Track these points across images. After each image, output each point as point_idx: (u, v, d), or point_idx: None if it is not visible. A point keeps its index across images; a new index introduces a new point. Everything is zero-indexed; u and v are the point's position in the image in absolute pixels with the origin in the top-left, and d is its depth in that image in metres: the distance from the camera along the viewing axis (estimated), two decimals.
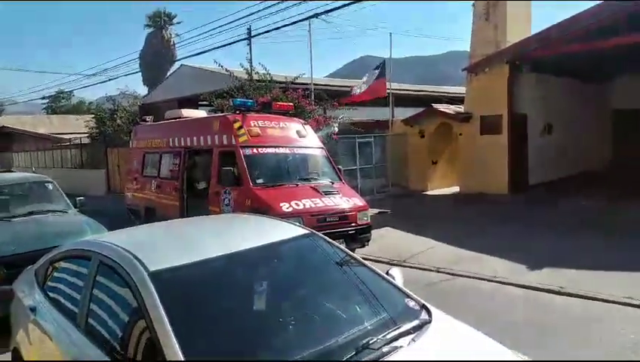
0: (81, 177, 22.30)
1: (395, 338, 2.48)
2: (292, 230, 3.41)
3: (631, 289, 5.99)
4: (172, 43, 38.06)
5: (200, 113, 11.92)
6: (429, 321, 2.72)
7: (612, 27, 11.93)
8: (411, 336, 2.54)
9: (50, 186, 7.68)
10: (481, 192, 13.94)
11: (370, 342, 2.40)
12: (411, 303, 2.93)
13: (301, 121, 9.74)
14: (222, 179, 8.14)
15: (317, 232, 3.50)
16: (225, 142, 8.42)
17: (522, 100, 14.47)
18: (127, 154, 19.61)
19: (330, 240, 3.43)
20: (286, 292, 2.96)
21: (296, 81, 15.50)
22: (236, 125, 8.28)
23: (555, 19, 13.19)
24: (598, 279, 6.49)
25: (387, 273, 3.22)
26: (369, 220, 8.07)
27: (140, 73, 36.21)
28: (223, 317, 2.59)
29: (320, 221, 7.26)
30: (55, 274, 3.57)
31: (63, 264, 3.56)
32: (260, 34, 17.08)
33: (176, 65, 27.69)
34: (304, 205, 7.41)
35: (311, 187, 7.99)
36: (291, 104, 10.41)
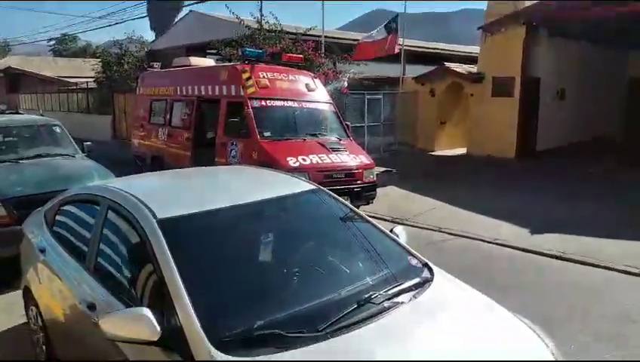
0: (87, 122, 22.27)
1: (397, 294, 2.53)
2: (299, 185, 3.43)
3: (632, 258, 6.06)
4: None
5: (208, 62, 11.71)
6: (431, 279, 2.77)
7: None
8: (412, 293, 2.59)
9: (58, 130, 7.68)
10: (488, 155, 13.87)
11: (372, 297, 2.45)
12: (414, 261, 2.97)
13: (310, 74, 9.59)
14: (229, 130, 8.13)
15: (323, 188, 3.52)
16: (233, 92, 8.35)
17: (536, 63, 14.16)
18: (133, 100, 19.61)
19: (336, 196, 3.45)
20: (291, 245, 3.00)
21: (308, 32, 15.19)
22: (245, 76, 8.16)
23: None
24: (601, 246, 6.55)
25: (391, 231, 3.26)
26: (375, 178, 8.08)
27: (148, 18, 35.47)
28: (229, 267, 2.65)
29: (326, 177, 7.27)
30: (64, 216, 3.63)
31: (71, 207, 3.60)
32: None
33: (185, 11, 27.08)
34: (311, 160, 7.41)
35: (318, 142, 7.96)
36: (301, 56, 10.22)
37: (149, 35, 34.99)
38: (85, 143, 7.70)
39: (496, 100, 14.17)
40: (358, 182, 7.71)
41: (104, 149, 12.93)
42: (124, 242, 2.88)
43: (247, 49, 9.16)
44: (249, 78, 8.15)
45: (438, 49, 23.34)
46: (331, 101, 9.24)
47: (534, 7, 13.40)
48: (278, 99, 8.32)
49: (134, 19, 48.17)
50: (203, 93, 9.18)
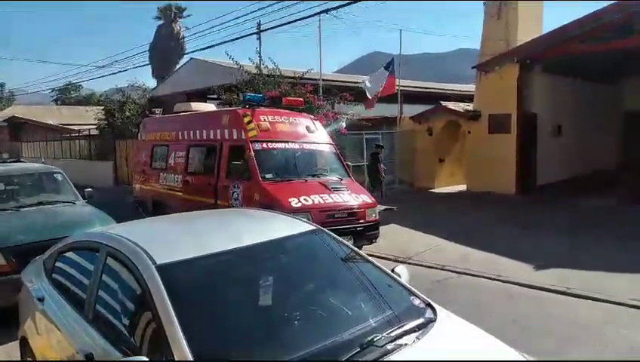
0: (90, 168, 22.45)
1: (400, 336, 2.48)
2: (299, 226, 3.42)
3: (637, 291, 5.97)
4: (182, 36, 38.07)
5: (209, 106, 11.85)
6: (434, 320, 2.72)
7: (623, 28, 11.85)
8: (416, 334, 2.54)
9: (59, 177, 7.73)
10: (488, 191, 13.89)
11: (375, 340, 2.40)
12: (416, 301, 2.93)
13: (310, 116, 9.71)
14: (231, 173, 8.20)
15: (324, 228, 3.51)
16: (234, 136, 8.43)
17: (532, 100, 14.39)
18: (135, 146, 19.80)
19: (336, 236, 3.44)
20: (292, 287, 2.97)
21: (305, 76, 15.48)
22: (246, 119, 8.28)
23: (565, 19, 13.08)
24: (605, 280, 6.47)
25: (393, 270, 3.22)
26: (377, 217, 8.04)
27: (150, 66, 36.30)
28: (230, 312, 2.61)
29: (328, 217, 7.27)
30: (63, 264, 3.60)
31: (70, 255, 3.58)
32: (269, 28, 17.04)
33: (185, 58, 27.77)
34: (313, 201, 7.40)
35: (319, 183, 7.98)
36: (301, 99, 10.36)
37: (152, 82, 35.72)
38: (86, 190, 7.73)
39: (494, 137, 14.32)
40: (361, 221, 7.68)
41: (106, 195, 12.99)
42: (123, 289, 2.85)
43: (248, 94, 9.32)
44: (250, 122, 8.26)
45: (434, 88, 23.74)
46: (331, 142, 9.33)
47: (526, 45, 13.71)
48: (279, 142, 8.40)
49: (137, 67, 49.17)
50: (204, 137, 9.28)
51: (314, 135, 8.95)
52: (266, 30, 17.26)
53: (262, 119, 8.47)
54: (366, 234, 7.74)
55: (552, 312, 5.64)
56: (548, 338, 4.79)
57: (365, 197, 8.05)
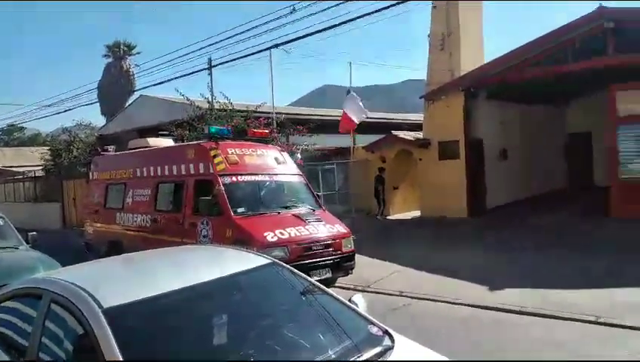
0: (35, 211, 21.50)
1: None
2: (253, 260, 3.37)
3: (594, 306, 6.16)
4: (131, 73, 37.60)
5: (166, 142, 11.47)
6: (392, 347, 2.71)
7: (559, 56, 12.64)
8: None
9: (1, 221, 7.36)
10: (441, 216, 14.19)
11: None
12: (374, 329, 2.92)
13: (277, 147, 9.59)
14: (200, 209, 7.84)
15: (279, 261, 3.47)
16: (201, 170, 8.16)
17: (478, 126, 14.96)
18: (84, 186, 19.13)
19: (292, 268, 3.40)
20: (248, 324, 2.90)
21: (258, 109, 15.56)
22: (212, 153, 8.05)
23: (506, 48, 13.83)
24: (559, 298, 6.66)
25: (350, 300, 3.21)
26: (353, 247, 7.88)
27: (98, 104, 35.53)
28: (182, 354, 2.51)
29: (306, 250, 7.14)
30: (2, 314, 3.38)
31: (11, 304, 3.37)
32: (220, 63, 17.08)
33: (135, 95, 27.36)
34: (289, 234, 7.19)
35: (293, 215, 7.80)
36: (266, 131, 10.26)
37: (100, 120, 34.91)
38: (30, 233, 7.40)
39: (444, 163, 14.75)
40: (338, 252, 7.52)
41: (53, 238, 12.40)
42: (67, 336, 2.69)
43: (214, 126, 9.06)
44: (217, 155, 8.03)
45: (385, 118, 24.33)
46: (300, 173, 9.18)
47: (470, 74, 14.34)
48: (248, 174, 8.18)
49: (85, 105, 47.87)
50: (167, 173, 8.91)
51: (282, 166, 8.77)
52: (216, 65, 17.29)
53: (229, 152, 8.22)
54: (343, 265, 7.58)
55: (513, 333, 5.72)
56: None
57: (340, 228, 7.89)
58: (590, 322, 5.78)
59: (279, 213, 7.81)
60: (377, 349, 2.65)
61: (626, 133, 12.02)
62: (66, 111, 25.83)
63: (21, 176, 25.99)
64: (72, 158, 21.48)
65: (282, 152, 9.21)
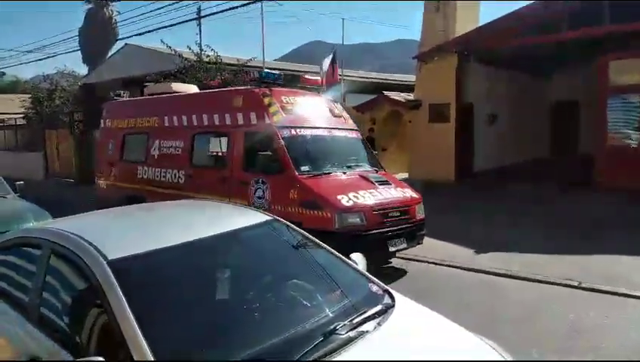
0: (17, 160, 21.08)
1: (361, 323, 2.51)
2: (255, 216, 3.37)
3: (569, 271, 6.37)
4: (114, 21, 36.30)
5: (191, 88, 10.15)
6: (393, 305, 2.77)
7: (553, 23, 12.54)
8: (376, 321, 2.57)
9: None
10: (429, 179, 14.27)
11: (337, 328, 2.42)
12: (375, 288, 2.97)
13: (329, 98, 8.44)
14: (251, 165, 6.96)
15: (279, 218, 3.47)
16: (253, 121, 7.16)
17: (469, 90, 14.90)
18: (68, 137, 18.78)
19: (292, 226, 3.41)
20: (250, 279, 2.92)
21: (248, 64, 15.26)
22: (267, 100, 7.07)
23: (501, 12, 13.65)
24: (542, 262, 6.86)
25: (349, 257, 3.25)
26: (424, 214, 7.06)
27: (80, 51, 34.44)
28: (187, 307, 2.52)
29: (383, 216, 6.34)
30: (0, 265, 3.35)
31: (8, 253, 3.34)
32: (210, 14, 16.60)
33: (119, 43, 26.49)
34: (363, 198, 6.33)
35: (360, 175, 6.95)
36: (319, 79, 8.92)
37: (81, 68, 33.89)
38: (17, 183, 7.27)
39: (434, 126, 14.74)
40: (412, 220, 6.71)
41: (37, 189, 12.24)
42: (71, 289, 2.69)
43: (265, 70, 7.99)
44: (272, 104, 7.07)
45: (377, 79, 24.09)
46: (357, 128, 8.28)
47: (464, 37, 14.15)
48: (308, 128, 7.23)
49: (66, 52, 46.27)
50: (206, 123, 7.92)
51: (339, 120, 7.82)
52: (206, 16, 16.80)
53: (284, 100, 7.23)
54: (417, 234, 6.83)
55: (501, 295, 5.91)
56: (504, 323, 5.00)
57: (411, 192, 7.05)
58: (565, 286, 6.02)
59: (345, 173, 6.93)
60: (378, 307, 2.70)
61: (616, 104, 12.09)
62: (47, 57, 25.06)
63: (1, 124, 25.35)
64: (54, 107, 20.96)
65: (336, 104, 8.20)
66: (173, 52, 15.25)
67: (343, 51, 15.70)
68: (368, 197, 6.36)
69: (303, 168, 6.61)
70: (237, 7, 14.98)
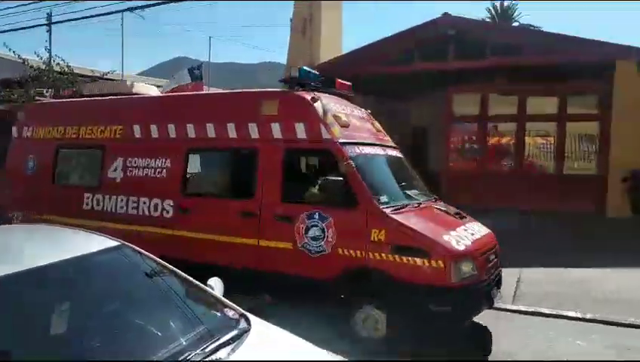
0: None
1: (214, 351, 2.43)
2: (99, 242, 3.10)
3: None
4: None
5: (153, 89, 8.01)
6: (248, 329, 2.73)
7: (404, 56, 13.83)
8: (231, 347, 2.51)
9: None
10: None
11: (189, 357, 2.32)
12: (230, 312, 2.91)
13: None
14: (308, 195, 5.33)
15: (128, 243, 3.22)
16: (299, 134, 5.37)
17: None
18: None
19: (142, 251, 3.20)
20: (94, 311, 2.67)
21: (106, 76, 14.34)
22: (319, 108, 5.34)
23: (363, 42, 14.67)
24: None
25: (206, 283, 3.15)
26: None
27: None
28: (18, 348, 2.21)
29: (487, 261, 5.03)
30: None
31: None
32: (62, 21, 15.30)
33: None
34: (463, 237, 4.92)
35: (436, 207, 5.58)
36: (349, 83, 6.65)
37: None
38: None
39: None
40: (499, 262, 5.45)
41: None
42: None
43: (304, 67, 5.88)
44: (327, 112, 5.38)
45: None
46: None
47: (328, 63, 14.85)
48: (366, 144, 5.64)
49: None
50: (211, 135, 5.91)
51: (380, 134, 6.33)
52: (57, 23, 15.41)
53: (333, 109, 5.58)
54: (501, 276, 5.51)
55: None
56: None
57: (485, 227, 5.69)
58: None
59: (419, 203, 5.44)
60: (233, 332, 2.65)
61: (456, 130, 13.66)
62: None
63: None
64: None
65: (369, 114, 6.70)
66: (18, 57, 13.72)
67: (210, 69, 15.49)
68: (466, 237, 4.97)
69: (382, 198, 5.02)
70: (93, 16, 13.96)
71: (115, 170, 6.43)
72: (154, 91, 7.85)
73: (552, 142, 13.96)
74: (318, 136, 5.26)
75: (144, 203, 6.13)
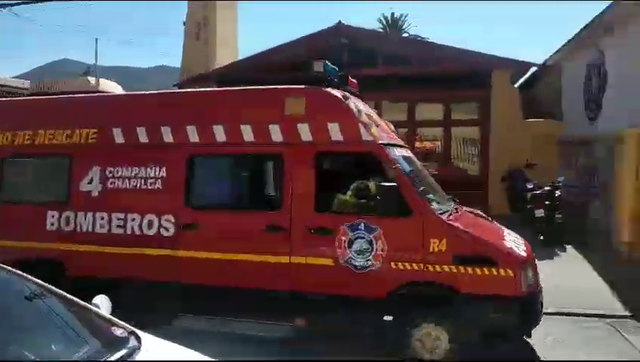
0: None
1: None
2: None
3: None
4: None
5: (116, 87, 6.97)
6: (139, 347, 2.61)
7: (298, 62, 14.00)
8: None
9: None
10: None
11: None
12: (119, 331, 2.76)
13: None
14: (348, 204, 4.80)
15: (2, 265, 2.93)
16: (335, 136, 4.80)
17: None
18: None
19: (17, 271, 2.92)
20: None
21: None
22: (353, 107, 4.81)
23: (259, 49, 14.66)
24: None
25: (91, 302, 2.96)
26: None
27: None
28: None
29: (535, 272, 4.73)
30: None
31: None
32: None
33: None
34: (520, 244, 4.76)
35: (470, 212, 5.29)
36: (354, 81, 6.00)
37: None
38: None
39: None
40: None
41: None
42: None
43: (327, 62, 5.19)
44: (360, 112, 4.83)
45: None
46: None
47: (223, 69, 14.66)
48: (398, 146, 5.28)
49: None
50: (220, 139, 5.13)
51: (394, 134, 5.84)
52: None
53: (362, 108, 5.09)
54: None
55: None
56: None
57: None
58: None
59: (457, 209, 5.08)
60: (122, 352, 2.52)
61: None
62: None
63: None
64: None
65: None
66: None
67: (98, 72, 14.58)
68: (518, 242, 4.77)
69: (435, 206, 4.69)
70: None
71: (91, 182, 5.43)
72: (119, 90, 6.94)
73: (440, 146, 14.92)
74: (357, 138, 4.74)
75: (135, 220, 5.22)
